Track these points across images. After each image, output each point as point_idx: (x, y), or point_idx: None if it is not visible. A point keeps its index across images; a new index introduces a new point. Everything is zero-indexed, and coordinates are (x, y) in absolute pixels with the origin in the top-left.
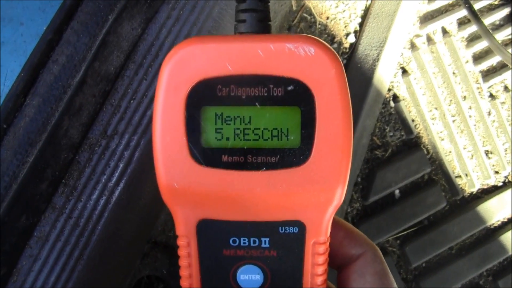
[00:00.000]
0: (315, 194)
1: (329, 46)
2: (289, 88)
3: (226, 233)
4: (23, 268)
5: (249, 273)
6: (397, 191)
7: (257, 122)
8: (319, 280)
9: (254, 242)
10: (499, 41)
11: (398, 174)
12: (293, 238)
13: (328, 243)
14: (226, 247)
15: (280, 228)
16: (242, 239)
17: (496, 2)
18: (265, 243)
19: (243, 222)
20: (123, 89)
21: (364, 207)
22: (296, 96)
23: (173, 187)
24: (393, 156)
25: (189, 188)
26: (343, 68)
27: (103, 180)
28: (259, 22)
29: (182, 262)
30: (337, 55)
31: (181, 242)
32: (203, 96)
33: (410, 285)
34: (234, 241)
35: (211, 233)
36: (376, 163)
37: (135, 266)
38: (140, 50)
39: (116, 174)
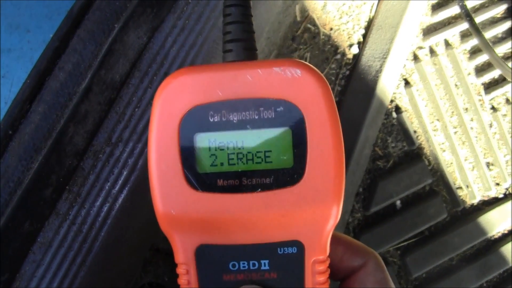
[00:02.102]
0: (311, 213)
1: (314, 67)
2: (279, 109)
3: (225, 257)
4: (26, 274)
5: None
6: (398, 202)
7: (250, 145)
8: None
9: (254, 265)
10: (501, 54)
11: (400, 184)
12: (292, 258)
13: (328, 261)
14: (226, 272)
15: (278, 249)
16: (241, 262)
17: (498, 16)
18: (264, 265)
19: (241, 245)
20: (128, 97)
21: (366, 217)
22: (286, 117)
23: (170, 214)
24: (395, 167)
25: (186, 214)
26: (329, 88)
27: (107, 187)
28: (245, 50)
29: None
30: (323, 75)
31: (180, 270)
32: (196, 123)
33: None
34: (233, 265)
35: (210, 258)
36: (378, 173)
37: (137, 273)
38: (145, 58)
39: (120, 181)
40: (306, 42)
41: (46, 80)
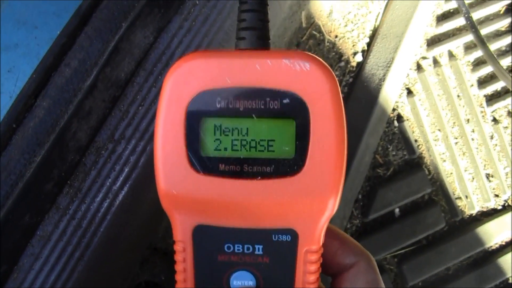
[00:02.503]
0: (307, 204)
1: (324, 62)
2: (285, 101)
3: (221, 239)
4: (24, 266)
5: (242, 279)
6: (397, 210)
7: (253, 133)
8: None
9: (248, 248)
10: (504, 67)
11: (399, 193)
12: (285, 245)
13: (320, 252)
14: (221, 252)
15: (273, 235)
16: (236, 245)
17: (503, 29)
18: (258, 250)
19: (237, 228)
20: (132, 95)
21: (364, 224)
22: (292, 108)
23: (172, 193)
24: (395, 175)
25: (187, 194)
26: (338, 84)
27: (108, 184)
28: (258, 39)
29: (178, 267)
30: (332, 71)
31: (177, 247)
32: (203, 107)
33: None
34: (228, 247)
35: (207, 238)
36: (377, 181)
37: (134, 271)
38: (151, 58)
39: (121, 178)
40: (311, 48)
41: (51, 76)
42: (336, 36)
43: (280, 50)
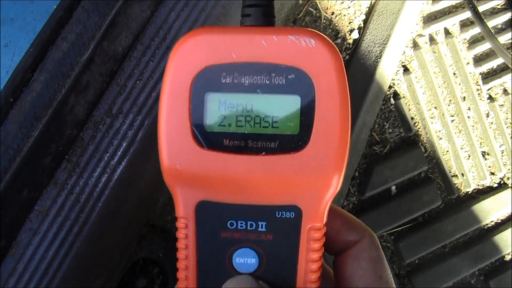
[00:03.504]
0: (312, 180)
1: (329, 39)
2: (290, 76)
3: (224, 215)
4: (22, 241)
5: (244, 257)
6: (393, 187)
7: (258, 108)
8: (314, 266)
9: (251, 225)
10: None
11: (395, 170)
12: (289, 222)
13: (324, 230)
14: (224, 229)
15: (277, 212)
16: (239, 222)
17: (499, 6)
18: (261, 227)
19: (241, 205)
20: (130, 70)
21: (361, 202)
22: (297, 84)
23: (175, 168)
24: (391, 152)
25: (190, 170)
26: (342, 60)
27: (106, 158)
28: (263, 16)
29: (180, 244)
30: (336, 47)
31: (179, 223)
32: (208, 82)
33: (402, 281)
34: (231, 224)
35: (210, 215)
36: (374, 158)
37: (132, 248)
38: (148, 32)
39: (119, 153)
40: (307, 25)
41: (48, 50)
42: (333, 13)
43: (286, 27)
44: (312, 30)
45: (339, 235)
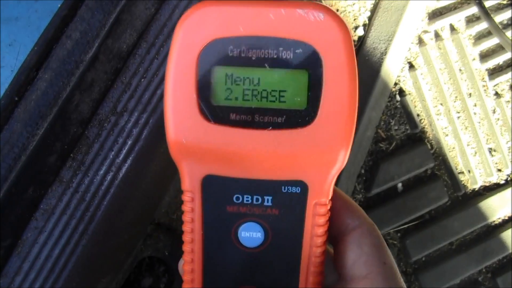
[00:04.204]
0: (318, 155)
1: (337, 13)
2: (298, 51)
3: (230, 189)
4: (28, 240)
5: (250, 231)
6: (399, 184)
7: (265, 83)
8: (319, 241)
9: (257, 200)
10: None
11: (402, 167)
12: (295, 197)
13: (329, 205)
14: (230, 203)
15: (283, 187)
16: (245, 196)
17: (504, 2)
18: (267, 202)
19: (247, 179)
20: (134, 67)
21: (367, 199)
22: (305, 59)
23: (181, 142)
24: (397, 149)
25: (197, 143)
26: (351, 35)
27: (111, 156)
28: None
29: (186, 217)
30: (345, 22)
31: (186, 197)
32: (215, 55)
33: (409, 279)
34: (237, 198)
35: (216, 189)
36: (380, 155)
37: (138, 246)
38: (152, 29)
39: (124, 151)
40: None
41: (53, 48)
42: (337, 10)
43: (294, 0)
44: (321, 4)
45: (340, 216)
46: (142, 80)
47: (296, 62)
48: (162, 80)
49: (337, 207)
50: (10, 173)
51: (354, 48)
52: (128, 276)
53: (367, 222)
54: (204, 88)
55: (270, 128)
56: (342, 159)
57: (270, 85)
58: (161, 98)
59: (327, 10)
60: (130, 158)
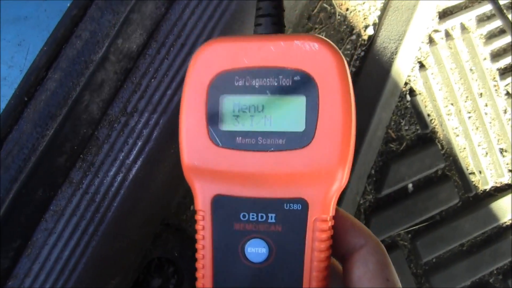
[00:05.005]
0: (316, 174)
1: (331, 43)
2: (296, 78)
3: (237, 208)
4: (38, 241)
5: (256, 246)
6: (410, 185)
7: (268, 108)
8: (321, 256)
9: (262, 217)
10: None
11: (412, 168)
12: (297, 214)
13: (331, 222)
14: (237, 221)
15: (285, 204)
16: (251, 214)
17: None
18: (271, 219)
19: (252, 198)
20: (144, 67)
21: (377, 200)
22: (302, 85)
23: (194, 165)
24: (408, 150)
25: (207, 166)
26: (345, 62)
27: (121, 157)
28: (273, 25)
29: (198, 235)
30: (339, 50)
31: (198, 216)
32: (223, 86)
33: (420, 280)
34: (244, 216)
35: (224, 208)
36: (390, 156)
37: (147, 247)
38: (163, 29)
39: (134, 152)
40: (322, 21)
41: (63, 48)
42: (347, 9)
43: (291, 34)
44: (316, 35)
45: (346, 236)
46: (152, 80)
47: (295, 88)
48: (172, 80)
49: (344, 228)
50: (20, 174)
51: (348, 73)
52: (137, 277)
53: (372, 240)
54: (212, 115)
55: (272, 149)
56: (340, 177)
57: (272, 111)
58: (171, 98)
59: (321, 41)
60: (140, 159)
